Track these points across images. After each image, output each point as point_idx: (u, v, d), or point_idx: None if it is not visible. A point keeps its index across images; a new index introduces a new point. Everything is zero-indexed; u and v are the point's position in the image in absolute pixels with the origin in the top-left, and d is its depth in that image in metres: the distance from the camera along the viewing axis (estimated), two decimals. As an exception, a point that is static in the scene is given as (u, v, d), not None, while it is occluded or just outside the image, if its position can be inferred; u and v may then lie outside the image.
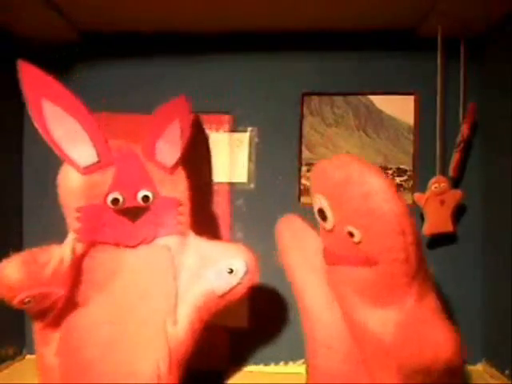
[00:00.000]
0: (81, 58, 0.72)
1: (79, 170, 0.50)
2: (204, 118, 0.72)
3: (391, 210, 0.43)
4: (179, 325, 0.50)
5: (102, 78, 0.72)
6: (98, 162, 0.51)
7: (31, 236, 0.72)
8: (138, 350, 0.48)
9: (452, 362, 0.42)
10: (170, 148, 0.57)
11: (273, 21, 0.66)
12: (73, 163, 0.50)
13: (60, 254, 0.49)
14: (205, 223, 0.72)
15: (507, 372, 0.61)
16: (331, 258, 0.50)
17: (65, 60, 0.72)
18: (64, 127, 0.49)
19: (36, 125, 0.48)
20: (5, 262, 0.46)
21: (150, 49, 0.72)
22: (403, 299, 0.45)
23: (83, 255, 0.51)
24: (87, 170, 0.50)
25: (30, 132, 0.72)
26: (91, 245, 0.52)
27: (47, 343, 0.51)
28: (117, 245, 0.53)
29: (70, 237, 0.51)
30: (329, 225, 0.48)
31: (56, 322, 0.51)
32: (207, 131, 0.73)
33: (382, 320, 0.45)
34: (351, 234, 0.45)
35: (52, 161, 0.69)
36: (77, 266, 0.50)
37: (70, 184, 0.50)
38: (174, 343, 0.49)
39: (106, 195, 0.51)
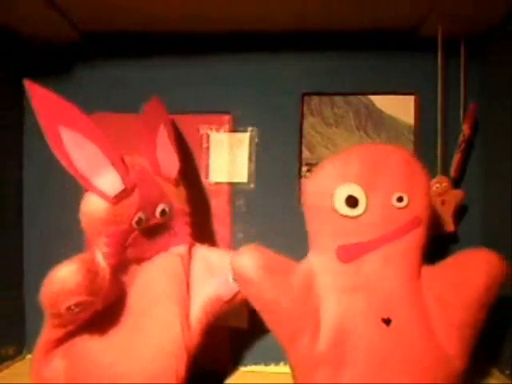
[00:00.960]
0: (81, 58, 0.72)
1: (109, 200, 0.49)
2: (204, 118, 0.72)
3: (425, 172, 0.53)
4: (192, 329, 0.51)
5: (102, 77, 0.72)
6: (125, 189, 0.50)
7: (32, 234, 0.73)
8: (157, 355, 0.49)
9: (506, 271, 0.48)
10: (168, 158, 0.57)
11: (273, 21, 0.66)
12: (102, 194, 0.48)
13: (102, 267, 0.48)
14: (205, 223, 0.72)
15: (507, 372, 0.61)
16: (354, 252, 0.50)
17: (65, 60, 0.72)
18: (85, 154, 0.48)
19: (57, 155, 0.46)
20: (65, 264, 0.44)
21: (149, 49, 0.71)
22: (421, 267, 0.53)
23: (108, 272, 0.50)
24: (116, 200, 0.49)
25: (31, 131, 0.72)
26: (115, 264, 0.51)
27: (55, 347, 0.50)
28: (137, 262, 0.54)
29: (100, 256, 0.49)
30: (360, 208, 0.50)
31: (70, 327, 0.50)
32: (207, 131, 0.73)
33: (420, 288, 0.51)
34: (400, 200, 0.51)
35: (52, 160, 0.70)
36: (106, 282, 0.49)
37: (99, 214, 0.49)
38: (190, 348, 0.50)
39: (133, 217, 0.51)
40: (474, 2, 0.58)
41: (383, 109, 0.72)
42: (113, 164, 0.49)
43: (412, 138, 0.71)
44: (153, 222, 0.54)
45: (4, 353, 0.68)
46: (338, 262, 0.50)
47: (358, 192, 0.50)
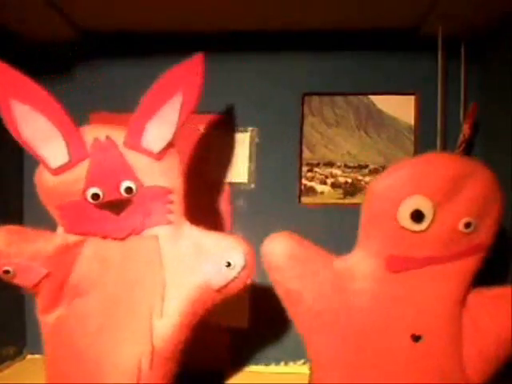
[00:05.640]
0: (81, 57, 0.72)
1: (50, 171, 0.50)
2: (204, 117, 0.72)
3: (502, 199, 0.48)
4: (168, 319, 0.49)
5: (102, 77, 0.72)
6: (69, 161, 0.50)
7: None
8: (123, 342, 0.48)
9: None
10: (160, 130, 0.53)
11: (273, 21, 0.66)
12: (45, 164, 0.50)
13: (48, 237, 0.50)
14: (205, 223, 0.72)
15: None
16: (407, 264, 0.48)
17: (65, 59, 0.72)
18: (34, 126, 0.49)
19: (7, 126, 0.48)
20: None
21: (150, 49, 0.71)
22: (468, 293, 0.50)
23: (76, 246, 0.51)
24: (58, 171, 0.50)
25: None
26: (83, 236, 0.52)
27: (49, 311, 0.52)
28: (104, 237, 0.53)
29: (60, 229, 0.52)
30: (423, 225, 0.47)
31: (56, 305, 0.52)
32: (208, 131, 0.73)
33: (460, 313, 0.49)
34: (468, 225, 0.47)
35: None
36: (67, 255, 0.51)
37: (45, 185, 0.51)
38: (160, 338, 0.48)
39: (84, 191, 0.50)
40: (475, 3, 0.58)
41: (383, 109, 0.72)
42: (63, 135, 0.50)
43: (412, 137, 0.71)
44: (114, 197, 0.51)
45: (4, 353, 0.68)
46: (384, 269, 0.48)
47: (426, 208, 0.46)
